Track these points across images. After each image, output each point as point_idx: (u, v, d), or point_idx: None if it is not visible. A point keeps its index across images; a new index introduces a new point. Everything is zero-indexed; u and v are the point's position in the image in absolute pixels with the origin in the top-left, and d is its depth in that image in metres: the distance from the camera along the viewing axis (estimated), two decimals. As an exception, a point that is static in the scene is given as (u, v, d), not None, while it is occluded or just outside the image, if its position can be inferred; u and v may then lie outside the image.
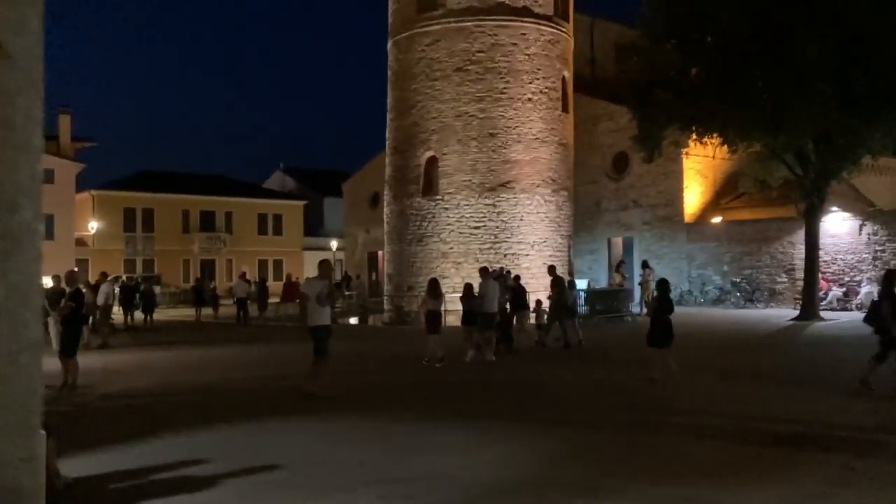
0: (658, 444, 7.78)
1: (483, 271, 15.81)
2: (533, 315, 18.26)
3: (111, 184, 50.04)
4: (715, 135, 22.66)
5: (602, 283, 31.30)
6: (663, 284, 11.78)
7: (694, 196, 31.36)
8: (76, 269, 14.70)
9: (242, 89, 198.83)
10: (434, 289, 14.55)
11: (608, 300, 24.25)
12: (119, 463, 7.19)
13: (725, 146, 23.25)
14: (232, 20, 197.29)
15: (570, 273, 26.60)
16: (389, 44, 27.76)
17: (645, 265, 25.91)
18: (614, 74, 32.90)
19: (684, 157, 29.87)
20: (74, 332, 12.25)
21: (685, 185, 30.96)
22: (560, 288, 16.96)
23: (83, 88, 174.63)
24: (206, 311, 28.48)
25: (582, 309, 23.99)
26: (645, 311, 25.19)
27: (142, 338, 21.40)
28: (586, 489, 6.18)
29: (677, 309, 12.43)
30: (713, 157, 28.38)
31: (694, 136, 23.30)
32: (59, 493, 5.92)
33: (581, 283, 27.10)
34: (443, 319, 15.17)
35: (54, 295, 14.63)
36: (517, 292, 16.57)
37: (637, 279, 26.61)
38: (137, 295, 26.32)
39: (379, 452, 7.57)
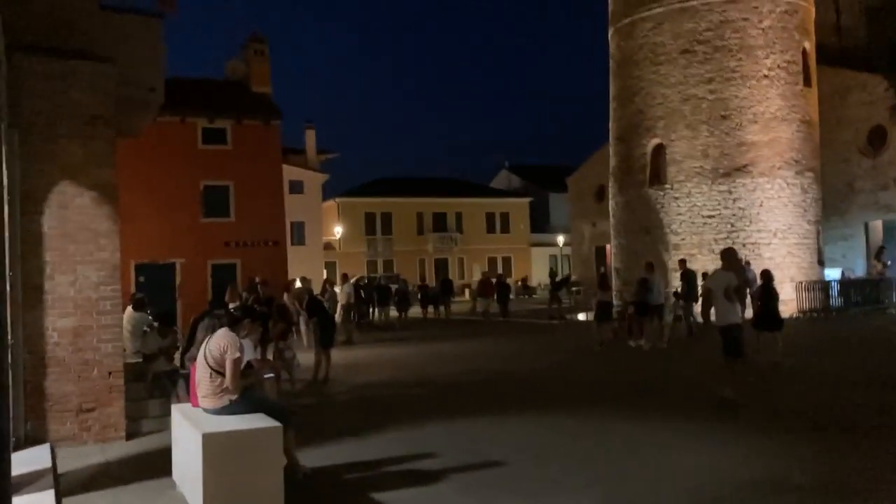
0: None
1: (649, 266, 16.96)
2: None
3: (352, 191, 53.67)
4: None
5: (859, 272, 28.36)
6: (766, 274, 12.85)
7: (971, 170, 27.44)
8: (297, 283, 16.68)
9: (467, 94, 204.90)
10: (604, 281, 17.01)
11: (865, 291, 21.88)
12: (354, 454, 7.56)
13: None
14: (451, 26, 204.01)
15: (821, 262, 24.36)
16: (610, 32, 27.09)
17: (912, 251, 23.05)
18: (866, 41, 29.77)
19: (957, 125, 26.34)
20: (326, 325, 13.20)
21: (959, 157, 27.20)
22: (642, 286, 16.77)
23: (324, 104, 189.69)
24: (431, 309, 30.34)
25: (835, 301, 21.98)
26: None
27: (387, 334, 22.68)
28: (818, 496, 5.51)
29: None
30: None
31: (968, 101, 20.46)
32: (298, 482, 6.33)
33: (834, 273, 24.77)
34: (613, 309, 17.46)
35: (302, 295, 15.90)
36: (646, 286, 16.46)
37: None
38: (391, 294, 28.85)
39: (601, 450, 7.35)
